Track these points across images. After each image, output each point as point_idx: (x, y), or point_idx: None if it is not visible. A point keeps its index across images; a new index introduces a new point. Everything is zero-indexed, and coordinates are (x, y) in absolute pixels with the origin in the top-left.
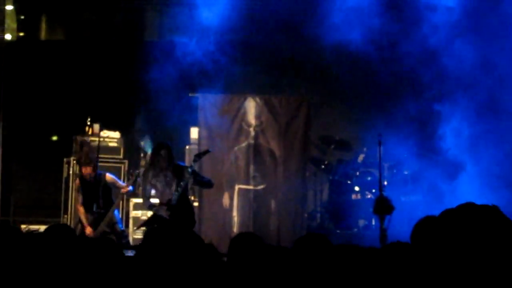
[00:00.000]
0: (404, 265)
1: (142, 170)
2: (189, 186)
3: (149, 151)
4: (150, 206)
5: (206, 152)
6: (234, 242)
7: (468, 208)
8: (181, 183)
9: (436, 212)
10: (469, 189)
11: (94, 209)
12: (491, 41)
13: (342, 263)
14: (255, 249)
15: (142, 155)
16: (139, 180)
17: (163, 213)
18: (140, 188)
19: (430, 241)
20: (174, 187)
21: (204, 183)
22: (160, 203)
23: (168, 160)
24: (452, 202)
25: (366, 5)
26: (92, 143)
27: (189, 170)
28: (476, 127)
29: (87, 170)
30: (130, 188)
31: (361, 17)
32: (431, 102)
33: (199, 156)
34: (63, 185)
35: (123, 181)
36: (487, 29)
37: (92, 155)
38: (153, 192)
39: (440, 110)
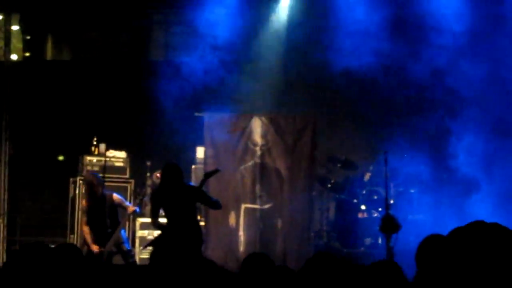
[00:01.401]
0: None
1: (148, 189)
2: (197, 205)
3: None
4: (159, 226)
5: (216, 171)
6: (246, 263)
7: (478, 226)
8: (190, 203)
9: (443, 231)
10: (478, 208)
11: (101, 229)
12: (499, 59)
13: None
14: (267, 270)
15: (148, 174)
16: (145, 199)
17: (171, 232)
18: (147, 207)
19: (435, 259)
20: (183, 207)
21: (212, 202)
22: (168, 223)
23: (177, 181)
24: (461, 221)
25: (373, 26)
26: (98, 163)
27: (198, 190)
28: (487, 145)
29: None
30: (137, 209)
31: (368, 37)
32: (439, 120)
33: (208, 175)
34: (70, 205)
35: (129, 202)
36: (494, 47)
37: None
38: (161, 211)
39: (449, 128)
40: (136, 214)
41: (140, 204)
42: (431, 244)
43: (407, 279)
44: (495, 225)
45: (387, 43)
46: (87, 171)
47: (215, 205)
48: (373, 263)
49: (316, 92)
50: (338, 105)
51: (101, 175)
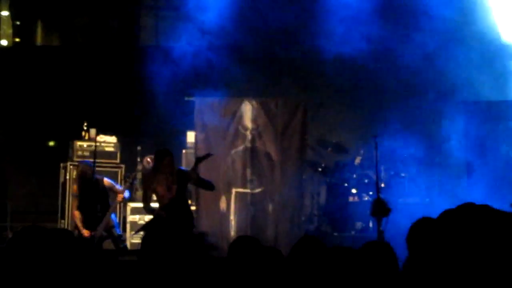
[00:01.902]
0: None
1: (138, 174)
2: (188, 189)
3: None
4: (151, 211)
5: (207, 156)
6: (233, 246)
7: (468, 208)
8: (182, 187)
9: (434, 214)
10: (470, 191)
11: (91, 214)
12: (489, 42)
13: (337, 265)
14: (254, 252)
15: (138, 159)
16: (135, 183)
17: (162, 216)
18: (138, 192)
19: (427, 242)
20: (174, 191)
21: (205, 183)
22: (160, 207)
23: (170, 166)
24: (452, 204)
25: (363, 11)
26: (89, 148)
27: (192, 173)
28: (479, 128)
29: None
30: (126, 195)
31: (359, 22)
32: (431, 104)
33: (200, 159)
34: (60, 190)
35: (120, 185)
36: (483, 30)
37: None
38: (153, 196)
39: (440, 112)
40: (126, 200)
41: (130, 188)
42: (422, 227)
43: (397, 260)
44: (485, 207)
45: (378, 27)
46: (79, 162)
47: (208, 186)
48: (365, 244)
49: (307, 76)
50: (329, 89)
51: (91, 160)
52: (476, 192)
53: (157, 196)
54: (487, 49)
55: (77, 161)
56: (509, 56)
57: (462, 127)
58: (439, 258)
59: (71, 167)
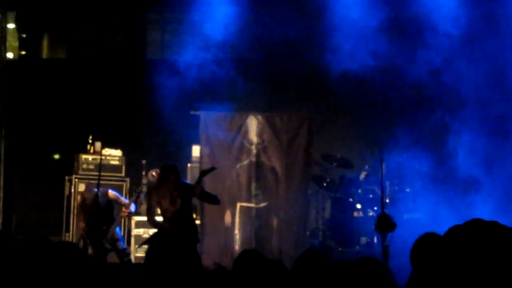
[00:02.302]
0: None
1: (143, 187)
2: (193, 203)
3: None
4: (155, 224)
5: (212, 169)
6: (238, 260)
7: (476, 224)
8: (187, 201)
9: (440, 230)
10: (477, 207)
11: (95, 226)
12: (498, 58)
13: (340, 280)
14: (259, 265)
15: (143, 173)
16: (141, 197)
17: (168, 230)
18: (143, 206)
19: (431, 258)
20: (179, 205)
21: (211, 197)
22: (165, 221)
23: (176, 181)
24: (458, 220)
25: (369, 26)
26: (94, 161)
27: (196, 187)
28: (487, 144)
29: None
30: (132, 209)
31: (365, 38)
32: (438, 120)
33: (204, 173)
34: (65, 203)
35: (126, 198)
36: (492, 46)
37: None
38: (157, 210)
39: (447, 128)
40: (132, 214)
41: (136, 202)
42: (426, 243)
43: (390, 277)
44: (494, 223)
45: (384, 43)
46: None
47: (214, 200)
48: (358, 259)
49: (312, 91)
50: (334, 104)
51: (96, 174)
52: (482, 208)
53: (161, 209)
54: (495, 65)
55: (83, 179)
56: None
57: (469, 143)
58: (445, 274)
59: (76, 180)
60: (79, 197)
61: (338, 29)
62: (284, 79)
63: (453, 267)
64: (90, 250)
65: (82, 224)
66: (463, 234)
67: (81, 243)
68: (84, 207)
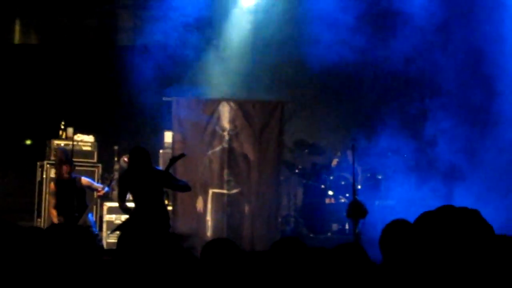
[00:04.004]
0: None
1: (115, 174)
2: (164, 189)
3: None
4: (126, 210)
5: (181, 156)
6: (207, 248)
7: (447, 210)
8: (157, 187)
9: (410, 217)
10: (453, 195)
11: (68, 212)
12: (476, 49)
13: (316, 266)
14: (229, 255)
15: (116, 159)
16: (113, 183)
17: (138, 216)
18: (114, 192)
19: (400, 244)
20: (149, 191)
21: (180, 186)
22: (135, 207)
23: (145, 165)
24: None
25: (345, 14)
26: (66, 147)
27: (165, 174)
28: (465, 133)
29: (63, 170)
30: (107, 189)
31: (340, 26)
32: (410, 108)
33: (174, 160)
34: (37, 189)
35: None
36: (469, 37)
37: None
38: (129, 196)
39: (421, 117)
40: (106, 195)
41: (109, 188)
42: (395, 229)
43: (372, 261)
44: (464, 210)
45: (359, 31)
46: (57, 148)
47: (183, 188)
48: (338, 246)
49: (285, 78)
50: (307, 91)
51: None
52: (462, 196)
53: (132, 195)
54: (472, 53)
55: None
56: (492, 61)
57: (445, 131)
58: (415, 260)
59: (48, 166)
60: (51, 184)
61: (314, 18)
62: (257, 66)
63: (422, 253)
64: None
65: (53, 211)
66: (433, 220)
67: None
68: (56, 193)
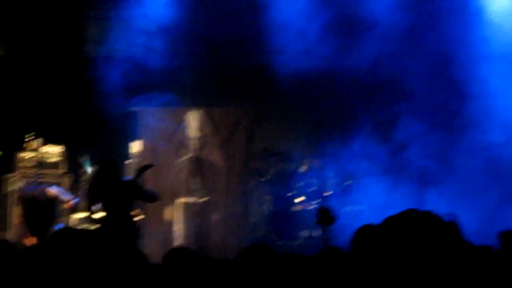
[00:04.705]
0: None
1: (84, 183)
2: (133, 199)
3: (89, 169)
4: (95, 221)
5: (150, 166)
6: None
7: (410, 214)
8: (126, 197)
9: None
10: (418, 198)
11: (37, 224)
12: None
13: (286, 273)
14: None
15: (83, 169)
16: (82, 193)
17: (107, 227)
18: (83, 202)
19: (369, 248)
20: (118, 201)
21: (148, 196)
22: (104, 218)
23: (114, 177)
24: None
25: (310, 22)
26: (33, 159)
27: (133, 184)
28: (435, 136)
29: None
30: (76, 200)
31: (308, 34)
32: (379, 113)
33: (142, 169)
34: (3, 202)
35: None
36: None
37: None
38: (97, 207)
39: (390, 122)
40: (73, 208)
41: (77, 199)
42: (363, 235)
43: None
44: (427, 213)
45: (326, 39)
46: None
47: (151, 198)
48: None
49: (253, 86)
50: (275, 99)
51: (33, 184)
52: (432, 201)
53: (100, 206)
54: (441, 58)
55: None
56: (461, 65)
57: (418, 135)
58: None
59: (15, 178)
60: (18, 196)
61: (280, 27)
62: (224, 74)
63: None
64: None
65: (21, 223)
66: (397, 224)
67: (22, 243)
68: (23, 205)
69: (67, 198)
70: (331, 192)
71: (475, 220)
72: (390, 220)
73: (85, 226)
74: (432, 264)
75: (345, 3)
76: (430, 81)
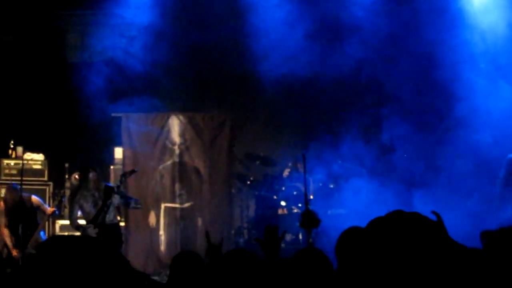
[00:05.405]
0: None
1: (66, 190)
2: (116, 205)
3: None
4: (78, 227)
5: (132, 172)
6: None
7: (396, 215)
8: (108, 203)
9: (363, 224)
10: (402, 201)
11: (20, 232)
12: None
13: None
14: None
15: (66, 176)
16: (64, 200)
17: (91, 233)
18: (66, 209)
19: (355, 250)
20: (101, 207)
21: (131, 203)
22: (87, 224)
23: (96, 182)
24: (381, 213)
25: (293, 28)
26: (16, 166)
27: (116, 190)
28: (422, 139)
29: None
30: (56, 211)
31: (289, 39)
32: (359, 117)
33: (124, 176)
34: None
35: (48, 205)
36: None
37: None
38: (80, 213)
39: (373, 127)
40: (55, 216)
41: (59, 206)
42: (350, 237)
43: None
44: (414, 215)
45: (308, 45)
46: (7, 186)
47: (134, 205)
48: (296, 252)
49: (235, 91)
50: (257, 103)
51: (17, 182)
52: (419, 203)
53: (83, 212)
54: (424, 60)
55: (5, 184)
56: (443, 66)
57: (404, 138)
58: (368, 266)
59: None
60: (1, 203)
61: (264, 31)
62: (207, 79)
63: (374, 258)
64: (15, 254)
65: (4, 230)
66: (383, 226)
67: (5, 251)
68: (7, 212)
69: (48, 209)
70: (315, 196)
71: (462, 221)
72: (376, 222)
73: (68, 233)
74: (419, 264)
75: (327, 8)
76: (415, 83)
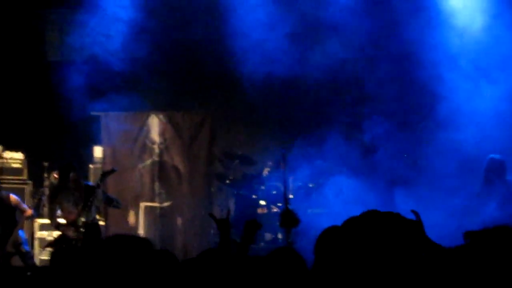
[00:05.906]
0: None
1: (45, 190)
2: (96, 205)
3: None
4: (57, 226)
5: (112, 171)
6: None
7: (371, 215)
8: (89, 202)
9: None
10: (383, 200)
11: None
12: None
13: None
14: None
15: (45, 175)
16: (43, 199)
17: (70, 233)
18: (45, 208)
19: (333, 249)
20: (81, 207)
21: (111, 202)
22: (67, 223)
23: (76, 181)
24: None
25: (272, 29)
26: None
27: (96, 189)
28: (403, 139)
29: None
30: (33, 213)
31: (268, 36)
32: (339, 116)
33: (104, 175)
34: None
35: (27, 204)
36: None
37: None
38: (59, 212)
39: (353, 125)
40: (33, 217)
41: (38, 205)
42: (329, 237)
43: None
44: (389, 214)
45: (288, 46)
46: None
47: (114, 203)
48: (271, 252)
49: (214, 90)
50: (236, 102)
51: None
52: (401, 202)
53: (63, 211)
54: (405, 59)
55: None
56: (425, 66)
57: (385, 137)
58: (344, 264)
59: None
60: None
61: (244, 30)
62: (187, 77)
63: (349, 256)
64: None
65: None
66: (358, 225)
67: None
68: None
69: (26, 209)
70: (295, 195)
71: (445, 219)
72: (350, 222)
73: (47, 232)
74: (395, 262)
75: (307, 8)
76: (396, 82)
